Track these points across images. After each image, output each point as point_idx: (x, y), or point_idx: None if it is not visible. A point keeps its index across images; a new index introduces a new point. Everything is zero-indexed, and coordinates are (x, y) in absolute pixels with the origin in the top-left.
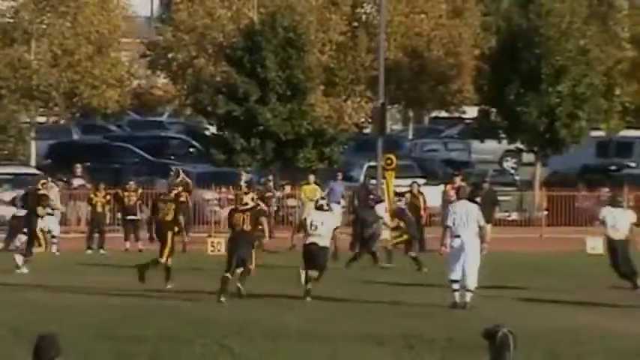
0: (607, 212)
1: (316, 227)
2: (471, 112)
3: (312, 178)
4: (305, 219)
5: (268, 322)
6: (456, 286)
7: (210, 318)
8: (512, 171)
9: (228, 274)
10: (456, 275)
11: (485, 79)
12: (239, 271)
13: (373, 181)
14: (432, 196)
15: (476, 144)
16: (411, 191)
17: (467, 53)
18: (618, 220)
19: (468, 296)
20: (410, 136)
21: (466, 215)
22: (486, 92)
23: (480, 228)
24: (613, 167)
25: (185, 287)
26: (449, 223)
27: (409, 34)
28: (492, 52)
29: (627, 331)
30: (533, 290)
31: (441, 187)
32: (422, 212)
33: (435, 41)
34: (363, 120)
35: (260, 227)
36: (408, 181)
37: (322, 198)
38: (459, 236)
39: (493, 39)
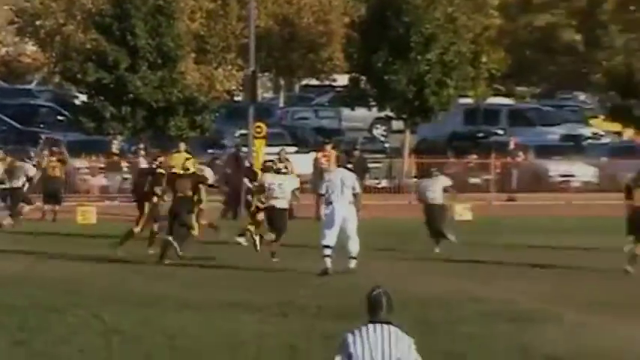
0: (421, 182)
1: (274, 190)
2: (342, 80)
3: (182, 146)
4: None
5: (142, 290)
6: (327, 251)
7: (83, 288)
8: (382, 138)
9: (169, 238)
10: (328, 241)
11: (354, 47)
12: (177, 234)
13: (244, 149)
14: (303, 163)
15: (346, 112)
16: (279, 158)
17: (337, 21)
18: (432, 188)
19: (353, 263)
20: (281, 104)
21: (341, 183)
22: (356, 60)
23: (355, 195)
24: (480, 134)
25: (56, 255)
26: (322, 191)
27: (279, 2)
28: (362, 20)
29: (494, 296)
30: (404, 256)
31: (312, 154)
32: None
33: (305, 9)
34: (234, 88)
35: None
36: (279, 149)
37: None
38: (331, 203)
39: (363, 7)
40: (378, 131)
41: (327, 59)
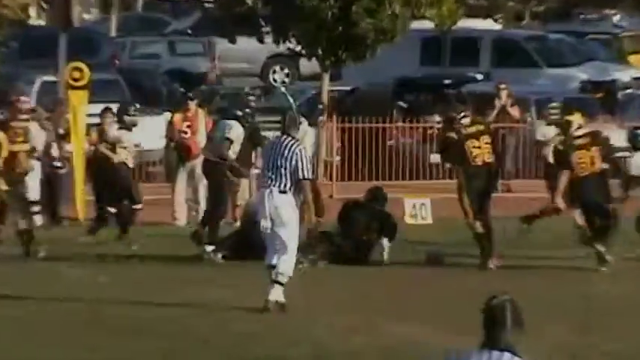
0: None
1: None
2: None
3: None
4: None
5: None
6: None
7: None
8: (283, 89)
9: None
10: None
11: None
12: None
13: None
14: (152, 131)
15: (222, 44)
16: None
17: None
18: None
19: (276, 291)
20: (113, 32)
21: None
22: None
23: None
24: (447, 81)
25: None
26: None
27: None
28: None
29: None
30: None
31: (166, 116)
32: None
33: None
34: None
35: None
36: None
37: None
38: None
39: None
40: (277, 77)
41: None
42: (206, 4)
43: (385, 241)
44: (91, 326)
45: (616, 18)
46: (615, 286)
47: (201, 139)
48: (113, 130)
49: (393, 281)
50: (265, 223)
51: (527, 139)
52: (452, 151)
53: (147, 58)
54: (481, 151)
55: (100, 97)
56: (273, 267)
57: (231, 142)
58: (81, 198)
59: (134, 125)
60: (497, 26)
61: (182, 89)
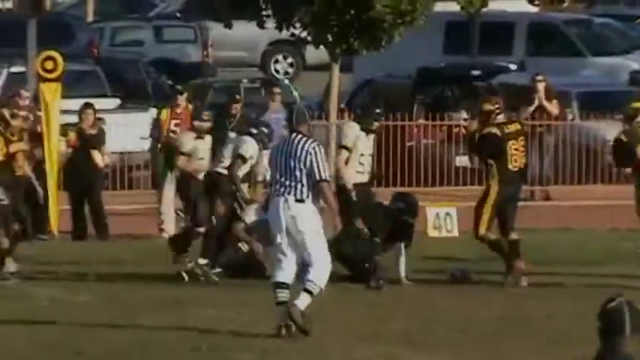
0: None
1: None
2: None
3: None
4: None
5: None
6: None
7: None
8: (287, 81)
9: None
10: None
11: None
12: None
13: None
14: (135, 127)
15: (216, 30)
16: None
17: None
18: None
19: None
20: (90, 17)
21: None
22: None
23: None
24: (475, 72)
25: None
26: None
27: None
28: None
29: None
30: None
31: (151, 112)
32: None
33: None
34: None
35: None
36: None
37: None
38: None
39: None
40: (279, 68)
41: None
42: None
43: (401, 248)
44: (62, 353)
45: None
46: None
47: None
48: (189, 140)
49: (414, 303)
50: (280, 238)
51: (569, 139)
52: (490, 149)
53: (129, 46)
54: (519, 155)
55: (76, 90)
56: (284, 285)
57: (244, 161)
58: (54, 208)
59: (207, 133)
60: (534, 9)
61: (170, 82)
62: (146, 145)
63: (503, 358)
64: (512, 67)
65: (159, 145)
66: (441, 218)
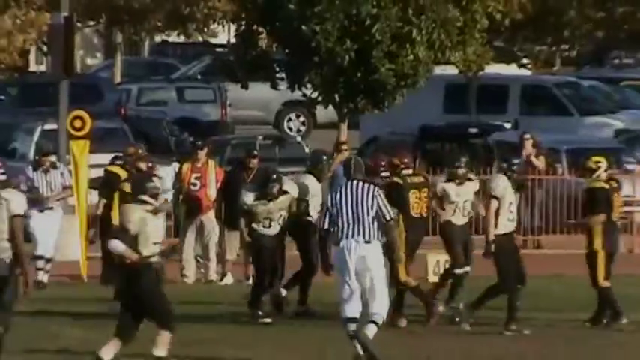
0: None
1: None
2: (225, 35)
3: None
4: None
5: None
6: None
7: None
8: (299, 138)
9: None
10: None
11: None
12: None
13: (53, 159)
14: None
15: (234, 91)
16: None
17: None
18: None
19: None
20: (118, 78)
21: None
22: (250, 1)
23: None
24: (473, 130)
25: None
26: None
27: None
28: None
29: None
30: None
31: (174, 167)
32: None
33: None
34: (32, 45)
35: None
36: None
37: None
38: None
39: None
40: (293, 125)
41: None
42: (217, 48)
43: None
44: None
45: None
46: None
47: (211, 192)
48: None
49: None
50: (350, 280)
51: (558, 192)
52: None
53: (154, 105)
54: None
55: (104, 146)
56: (354, 319)
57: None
58: (84, 255)
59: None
60: (527, 72)
61: (191, 138)
62: (169, 196)
63: None
64: (507, 125)
65: (180, 197)
66: (441, 265)
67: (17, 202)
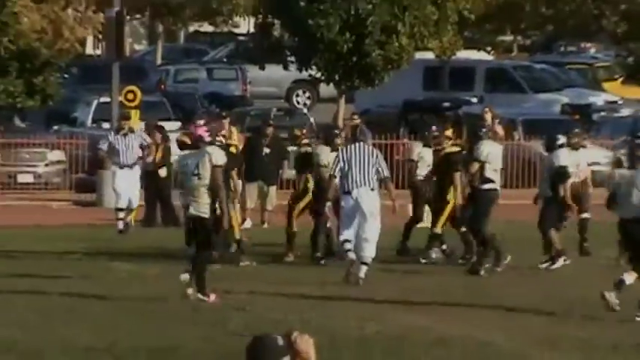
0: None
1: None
2: (246, 25)
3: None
4: None
5: None
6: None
7: None
8: (305, 110)
9: None
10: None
11: None
12: None
13: (106, 125)
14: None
15: (253, 71)
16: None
17: None
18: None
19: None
20: (159, 61)
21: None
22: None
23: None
24: (446, 104)
25: None
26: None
27: None
28: None
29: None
30: None
31: None
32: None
33: None
34: (90, 36)
35: None
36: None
37: None
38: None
39: None
40: (300, 99)
41: None
42: (239, 37)
43: None
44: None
45: (592, 50)
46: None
47: None
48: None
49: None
50: (353, 218)
51: (515, 155)
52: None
53: (188, 83)
54: None
55: (148, 115)
56: (349, 241)
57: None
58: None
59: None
60: (490, 57)
61: (218, 110)
62: None
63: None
64: (474, 100)
65: None
66: (427, 213)
67: (217, 155)
